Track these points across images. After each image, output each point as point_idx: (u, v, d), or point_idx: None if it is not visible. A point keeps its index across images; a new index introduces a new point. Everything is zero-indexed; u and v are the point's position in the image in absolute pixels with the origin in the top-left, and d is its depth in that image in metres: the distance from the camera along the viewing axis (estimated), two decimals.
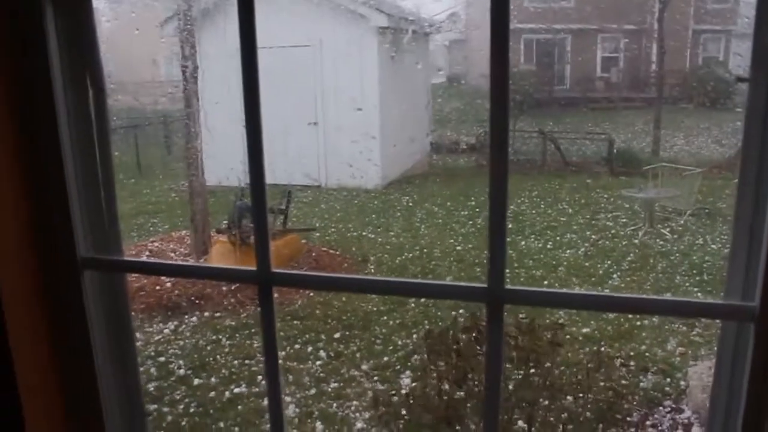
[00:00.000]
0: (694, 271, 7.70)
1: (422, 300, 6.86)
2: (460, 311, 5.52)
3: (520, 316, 3.70)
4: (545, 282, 7.55)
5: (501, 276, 1.14)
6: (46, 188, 1.34)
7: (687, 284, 7.37)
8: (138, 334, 6.51)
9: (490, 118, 1.11)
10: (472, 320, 3.30)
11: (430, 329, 4.22)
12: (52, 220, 1.35)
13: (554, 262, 8.18)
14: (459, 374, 3.14)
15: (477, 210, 10.47)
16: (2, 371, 1.31)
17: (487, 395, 1.21)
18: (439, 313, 6.57)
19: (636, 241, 8.95)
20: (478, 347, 3.15)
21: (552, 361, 3.32)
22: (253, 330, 6.51)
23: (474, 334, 3.19)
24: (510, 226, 9.60)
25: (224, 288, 7.35)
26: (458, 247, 8.84)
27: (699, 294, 7.06)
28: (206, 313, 7.01)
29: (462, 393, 3.16)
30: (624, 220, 9.85)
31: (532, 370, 3.45)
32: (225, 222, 8.23)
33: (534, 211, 10.50)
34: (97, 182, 1.39)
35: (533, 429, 3.26)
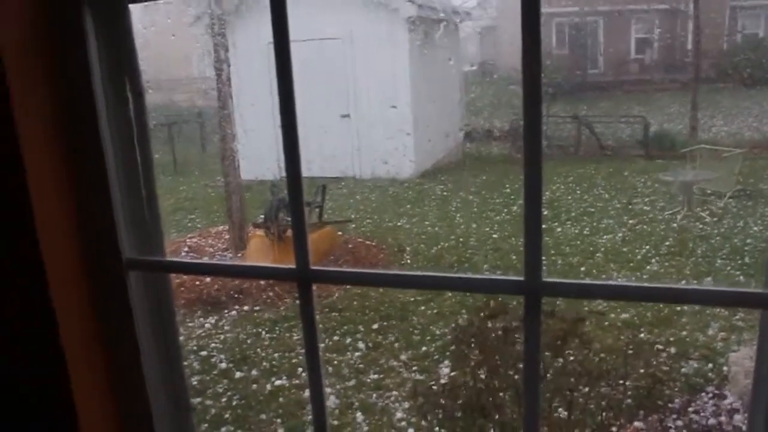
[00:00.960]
0: (736, 255, 7.57)
1: None
2: (499, 299, 5.51)
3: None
4: (582, 268, 7.49)
5: (537, 269, 1.14)
6: (90, 192, 1.38)
7: (728, 268, 7.25)
8: (180, 329, 6.63)
9: (524, 105, 1.11)
10: (498, 307, 3.30)
11: (457, 323, 4.22)
12: (96, 223, 1.39)
13: (591, 249, 8.11)
14: (491, 364, 3.14)
15: (512, 197, 10.42)
16: (56, 371, 1.35)
17: (527, 386, 1.22)
18: (477, 303, 6.57)
19: (674, 225, 8.82)
20: (510, 336, 3.15)
21: (580, 341, 3.29)
22: (292, 323, 6.59)
23: (502, 324, 3.19)
24: (546, 212, 9.54)
25: (262, 282, 7.43)
26: (494, 236, 8.81)
27: (741, 277, 6.94)
28: (246, 307, 7.11)
29: (496, 383, 3.17)
30: (662, 204, 9.71)
31: (571, 358, 3.43)
32: (262, 216, 8.31)
33: (570, 197, 10.41)
34: (139, 184, 1.43)
35: (572, 416, 3.26)
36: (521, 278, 1.14)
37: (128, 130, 1.39)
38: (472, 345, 3.24)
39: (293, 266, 1.31)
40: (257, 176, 11.00)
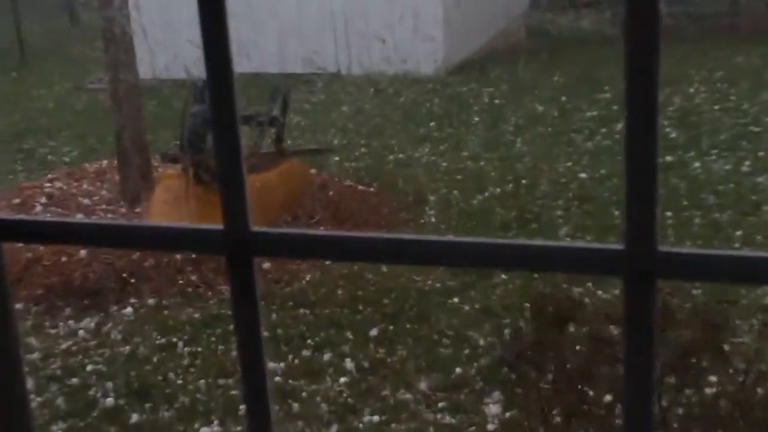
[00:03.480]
0: None
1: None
2: (564, 286, 5.52)
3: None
4: (738, 233, 7.49)
5: (648, 231, 1.13)
6: None
7: None
8: (32, 340, 6.65)
9: None
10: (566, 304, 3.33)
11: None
12: None
13: (754, 196, 8.11)
14: (570, 397, 3.18)
15: (613, 108, 10.38)
16: None
17: (627, 418, 1.22)
18: (548, 290, 6.60)
19: None
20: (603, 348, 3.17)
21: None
22: (230, 326, 6.62)
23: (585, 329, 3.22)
24: (673, 135, 9.52)
25: (178, 257, 7.43)
26: (581, 174, 8.82)
27: None
28: (149, 300, 7.13)
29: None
30: None
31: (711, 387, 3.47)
32: (176, 143, 8.30)
33: (717, 107, 10.39)
34: None
35: None
36: (621, 247, 1.13)
37: None
38: (536, 364, 3.27)
39: (220, 226, 1.30)
40: (167, 74, 10.97)
